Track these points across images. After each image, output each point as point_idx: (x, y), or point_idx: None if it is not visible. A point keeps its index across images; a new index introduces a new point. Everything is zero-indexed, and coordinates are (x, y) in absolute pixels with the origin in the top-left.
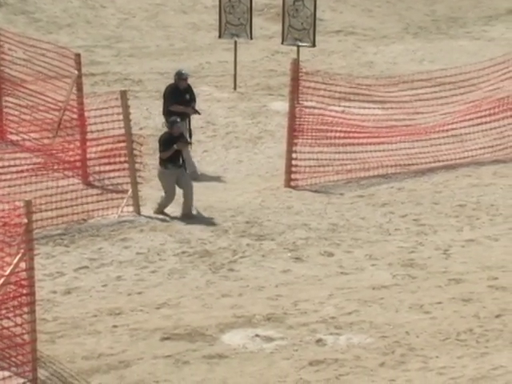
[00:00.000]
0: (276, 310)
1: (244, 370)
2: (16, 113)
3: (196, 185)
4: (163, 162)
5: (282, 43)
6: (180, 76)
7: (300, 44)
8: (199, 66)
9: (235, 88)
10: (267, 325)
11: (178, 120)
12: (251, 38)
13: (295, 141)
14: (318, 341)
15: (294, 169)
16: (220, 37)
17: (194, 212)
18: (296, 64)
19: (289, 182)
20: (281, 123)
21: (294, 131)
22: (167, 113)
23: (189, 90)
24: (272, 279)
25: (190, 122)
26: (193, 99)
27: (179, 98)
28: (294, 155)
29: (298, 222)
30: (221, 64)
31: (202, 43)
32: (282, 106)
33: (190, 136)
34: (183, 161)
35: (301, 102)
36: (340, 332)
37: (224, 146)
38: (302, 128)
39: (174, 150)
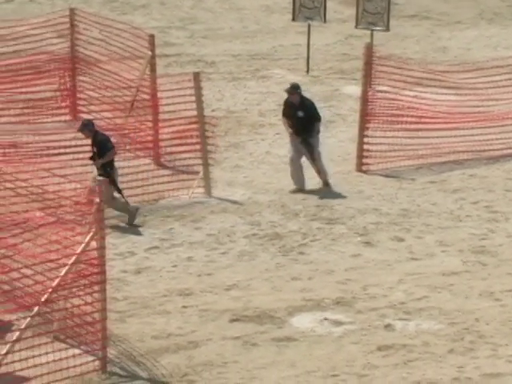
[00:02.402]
0: (345, 294)
1: (312, 354)
2: (89, 92)
3: (267, 168)
4: None
5: (356, 27)
6: (288, 89)
7: (374, 28)
8: (272, 48)
9: (308, 71)
10: (336, 309)
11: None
12: (325, 22)
13: (367, 125)
14: (387, 326)
15: (365, 153)
16: (294, 20)
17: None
18: (369, 48)
19: (360, 167)
20: (353, 107)
21: (366, 115)
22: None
23: (303, 106)
24: (342, 263)
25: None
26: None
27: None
28: (365, 139)
29: (369, 207)
30: (294, 47)
31: (275, 26)
32: (355, 90)
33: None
34: None
35: (373, 86)
36: (409, 318)
37: None
38: (374, 112)
39: None
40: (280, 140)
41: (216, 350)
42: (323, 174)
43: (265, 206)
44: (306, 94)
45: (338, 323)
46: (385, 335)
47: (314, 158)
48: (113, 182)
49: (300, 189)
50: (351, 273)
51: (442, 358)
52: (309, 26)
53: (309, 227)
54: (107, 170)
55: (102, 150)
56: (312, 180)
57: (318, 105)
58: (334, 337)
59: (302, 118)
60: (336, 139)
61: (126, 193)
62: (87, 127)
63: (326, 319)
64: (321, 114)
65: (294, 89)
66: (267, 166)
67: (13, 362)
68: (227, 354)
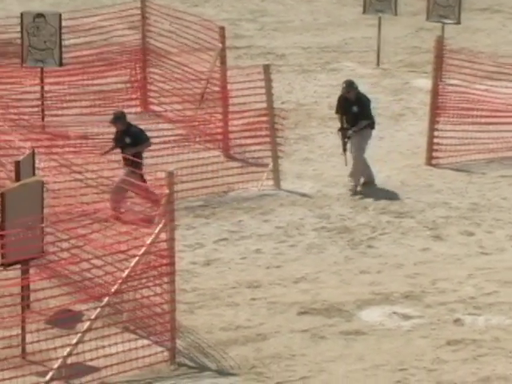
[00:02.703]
0: (414, 288)
1: (381, 347)
2: (160, 84)
3: (336, 161)
4: None
5: (427, 20)
6: (344, 87)
7: (445, 21)
8: (343, 41)
9: (378, 64)
10: (405, 302)
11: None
12: (396, 14)
13: (437, 119)
14: (456, 320)
15: (435, 147)
16: (364, 12)
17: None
18: (440, 41)
19: (430, 160)
20: (423, 100)
21: (436, 109)
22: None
23: (359, 101)
24: (411, 257)
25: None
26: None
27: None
28: (435, 133)
29: (439, 201)
30: (364, 40)
31: (346, 18)
32: (425, 83)
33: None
34: None
35: (444, 79)
36: (479, 312)
37: None
38: (444, 106)
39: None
40: None
41: (284, 342)
42: (354, 175)
43: (334, 199)
44: (377, 87)
45: (407, 317)
46: (454, 330)
47: (352, 157)
48: (140, 176)
49: (369, 182)
50: (420, 267)
51: None
52: (379, 18)
53: (378, 221)
54: (136, 163)
55: (137, 141)
56: (381, 174)
57: (388, 98)
58: (402, 331)
59: (356, 114)
60: (406, 132)
61: (195, 185)
62: (120, 120)
63: (394, 313)
64: (373, 115)
65: (350, 86)
66: (336, 159)
67: (83, 351)
68: (295, 347)
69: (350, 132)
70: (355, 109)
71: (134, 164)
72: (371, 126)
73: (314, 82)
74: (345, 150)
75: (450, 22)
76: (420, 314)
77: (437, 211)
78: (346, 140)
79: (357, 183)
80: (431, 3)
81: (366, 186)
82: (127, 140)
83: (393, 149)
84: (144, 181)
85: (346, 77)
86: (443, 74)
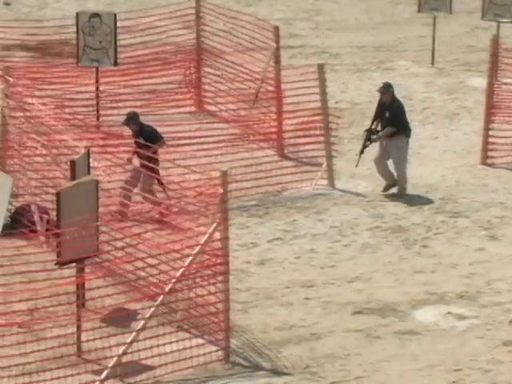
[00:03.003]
0: (469, 288)
1: (435, 348)
2: (214, 83)
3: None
4: None
5: (482, 18)
6: (380, 88)
7: (500, 20)
8: (397, 40)
9: (433, 63)
10: (460, 303)
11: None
12: (451, 13)
13: (493, 118)
14: None
15: (490, 146)
16: (419, 11)
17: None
18: (496, 40)
19: (485, 160)
20: (478, 100)
21: (491, 108)
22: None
23: (391, 107)
24: (466, 257)
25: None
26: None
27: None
28: (490, 132)
29: (494, 201)
30: (419, 38)
31: (400, 17)
32: (481, 82)
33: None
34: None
35: (500, 78)
36: None
37: (420, 122)
38: (500, 105)
39: None
40: None
41: (338, 342)
42: (399, 183)
43: (388, 199)
44: (431, 86)
45: (462, 317)
46: (510, 330)
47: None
48: (155, 174)
49: (391, 184)
50: (475, 267)
51: None
52: (434, 17)
53: (432, 220)
54: (151, 161)
55: (151, 140)
56: (436, 173)
57: (443, 97)
58: (457, 331)
59: (388, 119)
60: (461, 132)
61: (249, 184)
62: (133, 120)
63: (449, 313)
64: (409, 125)
65: (386, 88)
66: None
67: (138, 350)
68: (349, 347)
69: (374, 137)
70: (387, 114)
71: (150, 163)
72: (406, 134)
73: (368, 82)
74: (362, 152)
75: (505, 20)
76: (475, 314)
77: (492, 211)
78: (367, 143)
79: (402, 192)
80: (486, 2)
81: (387, 189)
82: (141, 140)
83: (448, 148)
84: (161, 183)
85: (401, 76)
86: (498, 73)
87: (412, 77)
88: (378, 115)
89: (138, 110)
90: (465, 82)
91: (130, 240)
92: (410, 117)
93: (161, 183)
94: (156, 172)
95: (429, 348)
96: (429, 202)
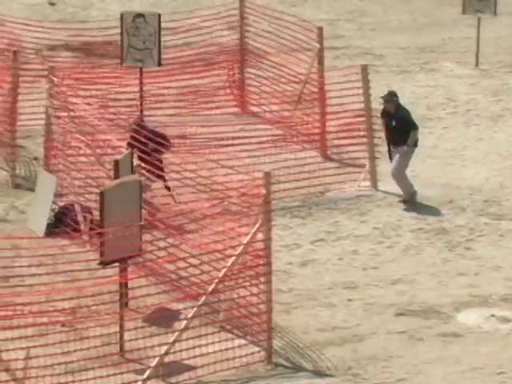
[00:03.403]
0: None
1: (479, 350)
2: (258, 84)
3: (434, 162)
4: None
5: None
6: (383, 96)
7: None
8: (441, 41)
9: (477, 65)
10: (503, 305)
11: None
12: (495, 14)
13: None
14: None
15: None
16: (464, 12)
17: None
18: None
19: None
20: None
21: None
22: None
23: (396, 115)
24: (509, 259)
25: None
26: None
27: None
28: None
29: None
30: (463, 40)
31: (445, 19)
32: None
33: None
34: None
35: None
36: None
37: (464, 123)
38: None
39: None
40: (447, 134)
41: (381, 343)
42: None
43: (431, 201)
44: (476, 87)
45: (506, 320)
46: None
47: (392, 173)
48: (162, 177)
49: (413, 192)
50: None
51: None
52: (479, 18)
53: (476, 222)
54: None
55: (161, 144)
56: (479, 175)
57: (487, 99)
58: (501, 334)
59: (394, 128)
60: (504, 134)
61: (292, 185)
62: (394, 98)
63: (492, 316)
64: (417, 124)
65: (390, 96)
66: (434, 160)
67: (180, 350)
68: (392, 348)
69: (405, 148)
70: (394, 123)
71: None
72: (415, 143)
73: (412, 83)
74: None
75: None
76: None
77: None
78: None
79: (408, 195)
80: None
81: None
82: (150, 145)
83: (492, 150)
84: (168, 188)
85: (445, 77)
86: None
87: (456, 78)
88: (386, 126)
89: (182, 111)
90: (509, 84)
91: (172, 240)
92: (453, 118)
93: (167, 188)
94: (161, 177)
95: (472, 350)
96: (472, 204)
